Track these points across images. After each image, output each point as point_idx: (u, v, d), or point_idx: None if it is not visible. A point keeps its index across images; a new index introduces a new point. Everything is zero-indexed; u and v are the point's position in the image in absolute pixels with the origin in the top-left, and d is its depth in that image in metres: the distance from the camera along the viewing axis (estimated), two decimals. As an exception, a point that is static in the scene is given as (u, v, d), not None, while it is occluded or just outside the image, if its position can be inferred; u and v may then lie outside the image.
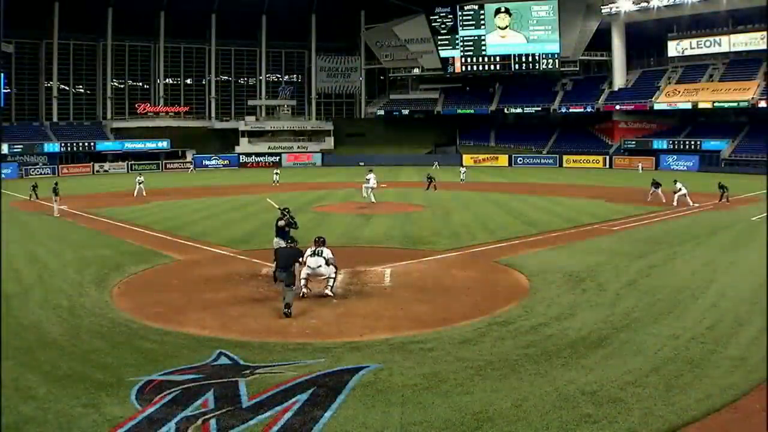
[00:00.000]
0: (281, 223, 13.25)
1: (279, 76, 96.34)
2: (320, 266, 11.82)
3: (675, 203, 25.98)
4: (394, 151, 76.44)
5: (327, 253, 11.83)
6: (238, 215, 24.41)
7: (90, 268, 13.97)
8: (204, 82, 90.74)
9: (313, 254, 11.80)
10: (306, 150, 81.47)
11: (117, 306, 11.17)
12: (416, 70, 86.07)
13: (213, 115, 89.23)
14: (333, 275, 12.04)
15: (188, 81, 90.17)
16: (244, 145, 79.47)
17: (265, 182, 48.21)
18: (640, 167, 60.57)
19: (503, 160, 71.99)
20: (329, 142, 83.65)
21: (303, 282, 11.68)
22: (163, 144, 73.82)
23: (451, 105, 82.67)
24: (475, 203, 28.70)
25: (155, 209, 27.15)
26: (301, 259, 11.11)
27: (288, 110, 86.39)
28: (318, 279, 11.86)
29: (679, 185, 26.56)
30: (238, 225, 21.31)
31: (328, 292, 11.93)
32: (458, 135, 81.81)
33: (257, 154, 77.45)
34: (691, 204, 25.73)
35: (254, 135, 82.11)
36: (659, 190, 27.69)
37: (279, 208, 14.42)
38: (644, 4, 70.67)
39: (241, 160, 75.43)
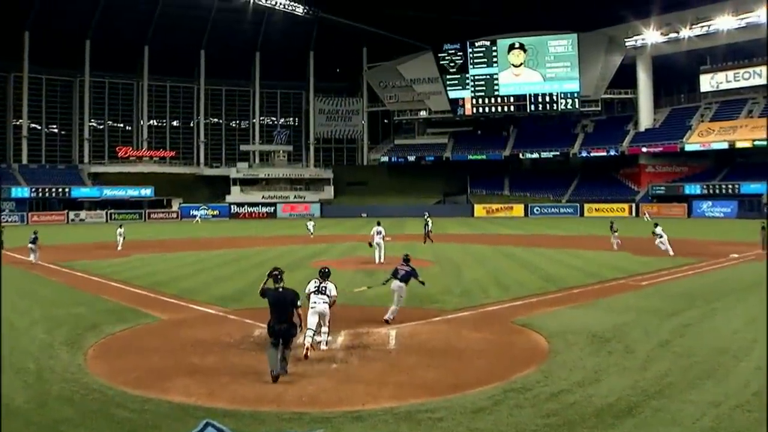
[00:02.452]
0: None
1: (274, 118, 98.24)
2: (324, 309, 12.00)
3: (670, 251, 26.67)
4: (399, 202, 77.53)
5: (332, 289, 12.02)
6: (230, 270, 24.49)
7: (61, 328, 13.97)
8: (192, 125, 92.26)
9: (317, 291, 11.94)
10: (303, 200, 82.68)
11: (91, 370, 11.11)
12: (423, 113, 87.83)
13: (202, 160, 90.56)
14: (327, 324, 12.14)
15: (175, 123, 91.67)
16: (235, 194, 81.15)
17: (257, 234, 48.43)
18: (646, 215, 60.42)
19: (518, 210, 72.62)
20: (329, 192, 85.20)
21: (311, 333, 11.57)
22: (147, 191, 74.52)
23: (461, 150, 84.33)
24: (488, 257, 28.70)
25: (137, 263, 27.27)
26: (299, 303, 10.58)
27: (284, 156, 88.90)
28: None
29: (659, 230, 27.17)
30: (230, 281, 21.37)
31: (323, 346, 11.99)
32: (469, 183, 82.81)
33: (250, 204, 78.65)
34: (671, 254, 26.28)
35: (247, 183, 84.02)
36: (665, 239, 27.60)
37: (368, 287, 14.85)
38: (673, 35, 69.85)
39: (232, 210, 76.58)
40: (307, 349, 11.20)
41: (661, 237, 27.22)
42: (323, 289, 12.12)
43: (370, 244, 25.49)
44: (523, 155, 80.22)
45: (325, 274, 12.20)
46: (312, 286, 12.23)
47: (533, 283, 20.44)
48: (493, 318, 15.20)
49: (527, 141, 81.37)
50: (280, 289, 10.32)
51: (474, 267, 25.00)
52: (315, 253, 30.47)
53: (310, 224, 45.24)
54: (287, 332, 10.17)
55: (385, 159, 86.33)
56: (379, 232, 25.60)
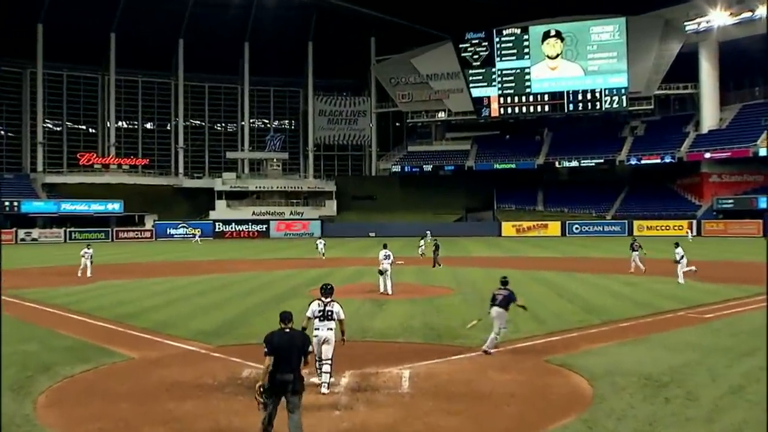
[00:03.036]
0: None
1: (266, 121, 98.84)
2: (331, 338, 12.17)
3: (680, 278, 27.24)
4: (413, 218, 77.82)
5: (339, 311, 12.21)
6: (213, 299, 24.60)
7: (6, 370, 13.86)
8: (169, 127, 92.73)
9: (323, 315, 12.10)
10: (301, 216, 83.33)
11: (42, 421, 11.00)
12: (441, 114, 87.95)
13: (181, 170, 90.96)
14: (331, 357, 12.17)
15: (148, 125, 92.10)
16: (221, 210, 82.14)
17: (247, 256, 48.53)
18: (689, 234, 60.10)
19: (554, 228, 72.70)
20: (331, 207, 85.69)
21: (327, 369, 11.98)
22: (114, 206, 74.93)
23: (486, 158, 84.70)
24: (520, 284, 28.48)
25: (101, 291, 27.37)
26: (311, 348, 10.06)
27: (278, 165, 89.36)
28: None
29: (680, 252, 27.60)
30: (213, 312, 21.45)
31: (323, 389, 12.04)
32: (496, 197, 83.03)
33: (238, 222, 79.20)
34: (680, 281, 27.15)
35: (234, 197, 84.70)
36: (684, 262, 27.87)
37: (478, 320, 15.33)
38: (746, 15, 66.30)
39: (217, 229, 77.00)
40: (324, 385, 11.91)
41: (680, 261, 27.53)
42: (329, 314, 12.18)
43: (381, 272, 25.39)
44: (559, 163, 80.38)
45: (328, 291, 12.26)
46: (315, 308, 12.29)
47: (572, 315, 20.35)
48: (525, 356, 15.15)
49: (565, 147, 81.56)
50: (287, 330, 9.91)
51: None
52: (315, 280, 30.50)
53: (321, 244, 46.22)
54: (294, 385, 9.37)
55: (397, 169, 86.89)
56: (386, 257, 25.44)
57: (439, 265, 36.61)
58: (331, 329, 12.17)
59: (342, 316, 12.20)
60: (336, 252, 51.29)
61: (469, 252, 52.01)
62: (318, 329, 12.13)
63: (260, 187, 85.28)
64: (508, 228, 74.24)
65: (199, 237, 69.33)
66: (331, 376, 12.35)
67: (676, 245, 28.44)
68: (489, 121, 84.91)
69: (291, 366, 9.33)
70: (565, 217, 75.50)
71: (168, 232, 75.26)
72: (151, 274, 35.41)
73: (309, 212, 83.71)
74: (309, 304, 12.60)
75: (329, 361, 12.17)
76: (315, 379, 12.16)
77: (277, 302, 23.69)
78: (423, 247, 42.24)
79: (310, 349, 9.92)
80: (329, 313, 12.16)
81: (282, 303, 23.60)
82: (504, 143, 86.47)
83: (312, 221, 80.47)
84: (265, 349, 9.28)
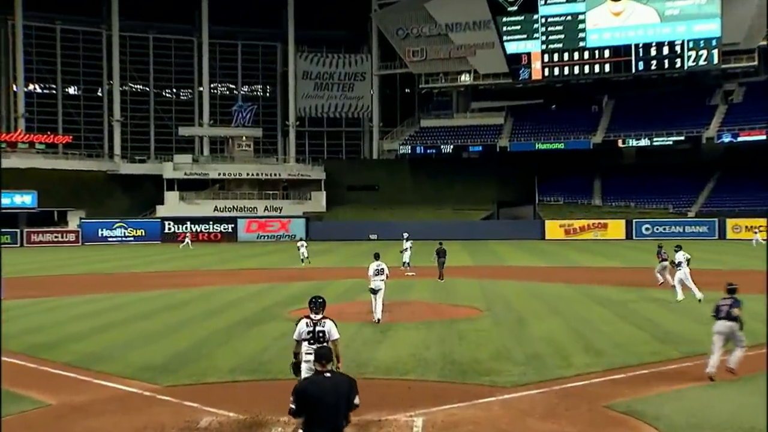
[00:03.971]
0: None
1: (232, 86, 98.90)
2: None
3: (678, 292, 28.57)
4: (428, 215, 77.96)
5: (332, 331, 12.58)
6: (162, 324, 24.67)
7: None
8: (100, 93, 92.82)
9: (314, 338, 12.44)
10: (279, 213, 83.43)
11: None
12: (465, 77, 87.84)
13: (117, 151, 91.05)
14: None
15: (71, 89, 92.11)
16: (172, 204, 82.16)
17: (206, 265, 48.47)
18: (755, 239, 60.05)
19: (616, 228, 72.93)
20: (318, 201, 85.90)
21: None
22: (25, 199, 75.10)
23: (525, 136, 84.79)
24: (569, 303, 28.69)
25: (6, 314, 27.34)
26: (358, 400, 9.31)
27: (248, 146, 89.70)
28: None
29: (681, 256, 28.87)
30: (161, 341, 21.48)
31: None
32: (537, 187, 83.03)
33: (195, 220, 79.05)
34: (677, 299, 28.54)
35: (190, 187, 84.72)
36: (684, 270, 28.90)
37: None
38: None
39: (166, 229, 77.44)
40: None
41: (678, 266, 28.82)
42: (320, 335, 12.45)
43: (373, 291, 24.97)
44: (624, 142, 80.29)
45: (319, 306, 12.71)
46: (303, 328, 12.57)
47: (642, 345, 20.30)
48: (578, 399, 15.11)
49: (631, 120, 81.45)
50: (327, 375, 9.30)
51: (546, 318, 25.04)
52: (297, 296, 30.47)
53: (303, 248, 47.59)
54: None
55: (406, 150, 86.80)
56: (378, 271, 24.95)
57: (440, 279, 36.92)
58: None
59: (336, 336, 12.60)
60: (326, 260, 51.20)
61: (502, 260, 51.97)
62: (309, 354, 12.28)
63: (225, 174, 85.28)
64: (553, 228, 74.10)
65: (189, 240, 67.79)
66: None
67: (677, 249, 29.64)
68: (529, 86, 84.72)
69: (335, 426, 8.81)
70: (631, 213, 75.29)
71: (100, 234, 75.30)
72: (76, 290, 35.34)
73: (290, 208, 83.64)
74: (296, 324, 12.82)
75: None
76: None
77: (247, 326, 23.71)
78: (408, 252, 42.55)
79: (357, 401, 9.12)
80: (320, 334, 12.43)
81: (253, 327, 23.64)
82: (549, 116, 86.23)
83: (294, 219, 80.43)
84: (293, 406, 8.77)
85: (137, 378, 17.04)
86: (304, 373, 12.34)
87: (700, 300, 27.47)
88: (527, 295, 30.99)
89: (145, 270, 46.78)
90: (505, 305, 28.06)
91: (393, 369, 17.63)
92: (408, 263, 42.23)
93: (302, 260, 46.40)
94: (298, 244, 49.26)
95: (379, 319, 23.97)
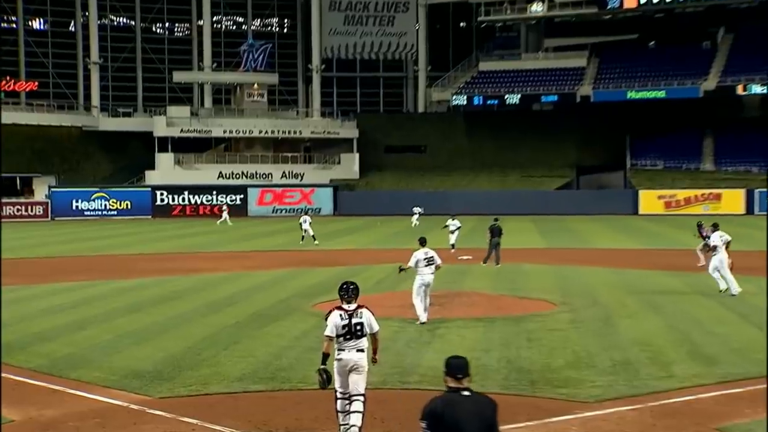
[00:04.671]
0: None
1: (241, 19, 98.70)
2: (362, 363, 12.69)
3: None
4: (487, 184, 78.46)
5: (371, 322, 12.84)
6: (153, 320, 24.71)
7: None
8: (73, 28, 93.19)
9: (350, 333, 12.64)
10: (300, 181, 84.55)
11: None
12: (537, 7, 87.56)
13: (95, 102, 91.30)
14: (363, 392, 12.57)
15: (36, 24, 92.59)
16: (165, 169, 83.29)
17: (208, 247, 48.60)
18: None
19: (732, 200, 72.84)
20: (349, 165, 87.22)
21: (358, 409, 12.59)
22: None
23: (614, 81, 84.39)
24: (671, 296, 28.42)
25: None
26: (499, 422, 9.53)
27: (261, 96, 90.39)
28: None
29: (717, 238, 28.78)
30: (153, 341, 21.49)
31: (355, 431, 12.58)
32: (630, 148, 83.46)
33: (194, 190, 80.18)
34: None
35: (188, 147, 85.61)
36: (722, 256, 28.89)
37: None
38: None
39: (158, 200, 78.50)
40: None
41: (714, 251, 28.83)
42: (357, 328, 12.56)
43: (424, 286, 24.71)
44: (745, 88, 79.55)
45: (351, 293, 12.91)
46: (336, 321, 12.69)
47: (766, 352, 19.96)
48: (680, 419, 14.87)
49: (754, 60, 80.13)
50: (466, 394, 9.06)
51: (640, 315, 24.76)
52: (321, 286, 30.47)
53: (306, 222, 48.46)
54: None
55: (461, 101, 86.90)
56: (429, 260, 24.77)
57: (496, 264, 36.72)
58: (362, 351, 12.58)
59: (376, 327, 12.90)
60: (358, 241, 51.20)
61: (583, 240, 51.92)
62: (342, 351, 12.51)
63: (231, 132, 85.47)
64: (649, 200, 73.60)
65: (227, 215, 68.06)
66: (363, 419, 12.62)
67: (714, 228, 29.63)
68: (620, 16, 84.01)
69: None
70: (753, 181, 74.33)
71: (74, 206, 75.94)
72: (44, 277, 35.53)
73: (313, 174, 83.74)
74: (326, 318, 12.86)
75: (361, 398, 12.64)
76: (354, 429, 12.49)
77: (260, 324, 23.68)
78: (456, 232, 42.58)
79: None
80: (358, 328, 12.53)
81: (268, 324, 23.61)
82: (645, 56, 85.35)
83: (318, 189, 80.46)
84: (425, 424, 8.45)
85: (123, 387, 16.95)
86: (337, 377, 12.51)
87: (734, 294, 27.59)
88: (615, 286, 30.66)
89: (132, 252, 46.99)
90: (586, 298, 27.74)
91: (442, 377, 17.48)
92: (455, 245, 42.34)
93: (303, 238, 47.34)
94: (302, 218, 49.65)
95: (423, 322, 23.79)
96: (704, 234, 33.24)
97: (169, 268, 37.85)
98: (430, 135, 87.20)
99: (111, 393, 16.65)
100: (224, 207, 71.14)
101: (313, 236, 47.11)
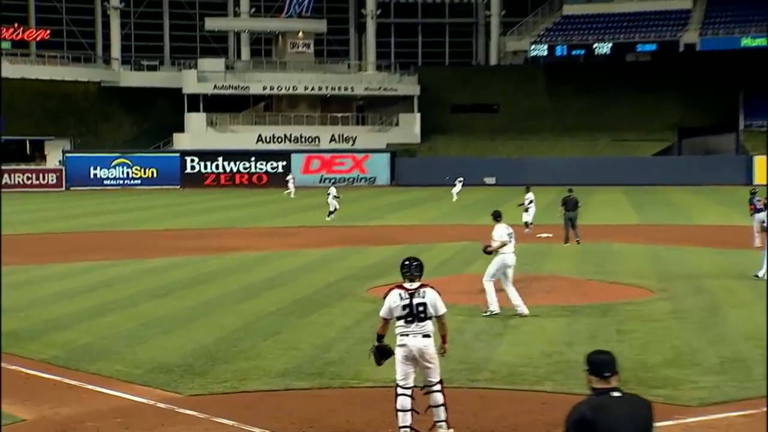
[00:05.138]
0: None
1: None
2: (428, 350, 12.88)
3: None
4: (573, 150, 78.79)
5: (437, 303, 12.93)
6: (182, 306, 24.92)
7: None
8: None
9: (411, 314, 12.74)
10: (351, 146, 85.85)
11: None
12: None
13: (116, 54, 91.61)
14: (439, 378, 12.83)
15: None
16: (196, 132, 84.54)
17: (246, 224, 48.78)
18: None
19: None
20: (409, 127, 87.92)
21: (440, 402, 12.97)
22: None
23: (724, 26, 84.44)
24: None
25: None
26: None
27: (306, 46, 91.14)
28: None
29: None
30: (181, 330, 21.66)
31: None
32: (741, 106, 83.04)
33: (229, 155, 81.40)
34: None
35: (222, 106, 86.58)
36: None
37: None
38: None
39: (188, 168, 79.78)
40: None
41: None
42: (420, 309, 12.61)
43: (506, 266, 24.67)
44: None
45: (414, 270, 13.03)
46: (396, 301, 12.81)
47: None
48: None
49: None
50: (616, 395, 8.95)
51: (754, 305, 24.18)
52: (377, 267, 30.51)
53: (332, 194, 49.14)
54: None
55: (541, 51, 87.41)
56: (511, 236, 24.90)
57: (577, 242, 36.85)
58: (429, 336, 12.68)
59: (443, 309, 12.99)
60: (419, 215, 51.17)
61: (686, 215, 51.50)
62: (405, 337, 12.62)
63: (272, 89, 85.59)
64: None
65: (293, 185, 68.78)
66: (446, 410, 12.93)
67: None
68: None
69: None
70: None
71: (92, 174, 77.06)
72: (58, 256, 35.74)
73: (367, 137, 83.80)
74: (384, 297, 12.95)
75: (439, 386, 13.00)
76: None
77: (306, 311, 23.74)
78: (531, 208, 42.02)
79: None
80: (420, 308, 12.58)
81: (315, 312, 23.64)
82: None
83: (373, 155, 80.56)
84: None
85: (148, 383, 17.05)
86: (399, 366, 12.60)
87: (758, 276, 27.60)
88: (724, 270, 30.28)
89: (158, 227, 47.34)
90: (690, 285, 27.36)
91: (519, 375, 17.41)
92: (531, 222, 42.29)
93: (330, 213, 47.96)
94: (330, 189, 50.48)
95: (496, 312, 23.19)
96: (757, 206, 33.08)
97: (200, 247, 38.12)
98: (504, 92, 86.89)
99: (135, 389, 16.74)
100: (290, 177, 71.01)
101: (331, 211, 47.78)
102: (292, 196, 61.57)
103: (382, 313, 12.79)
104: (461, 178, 53.07)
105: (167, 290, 27.35)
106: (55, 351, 19.53)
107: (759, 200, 33.15)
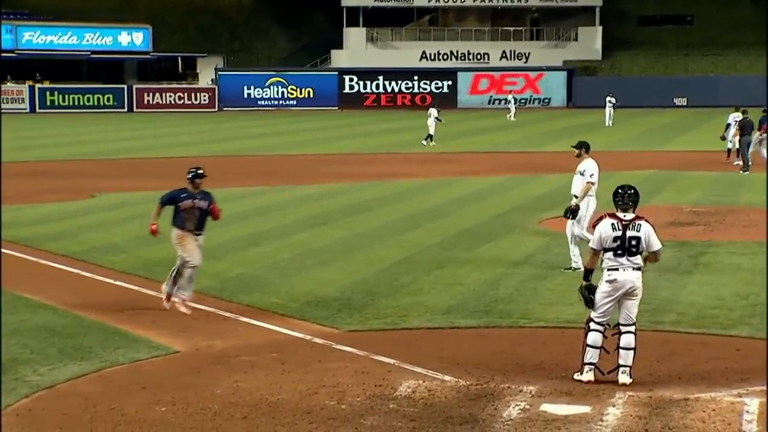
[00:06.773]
0: None
1: None
2: (637, 284, 13.20)
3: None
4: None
5: (650, 236, 13.19)
6: (339, 236, 25.39)
7: None
8: None
9: (622, 246, 12.96)
10: (524, 63, 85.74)
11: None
12: None
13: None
14: (635, 320, 13.19)
15: None
16: (355, 48, 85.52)
17: (409, 150, 48.98)
18: None
19: None
20: (589, 42, 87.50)
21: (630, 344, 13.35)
22: (136, 38, 78.03)
23: None
24: None
25: (107, 214, 29.05)
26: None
27: None
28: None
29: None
30: (339, 262, 22.14)
31: (625, 380, 13.07)
32: None
33: (390, 74, 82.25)
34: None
35: (383, 20, 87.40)
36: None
37: None
38: None
39: (346, 87, 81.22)
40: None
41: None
42: (632, 243, 12.79)
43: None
44: None
45: (628, 199, 13.19)
46: (608, 232, 12.96)
47: None
48: None
49: None
50: None
51: None
52: (551, 197, 30.46)
53: (432, 115, 49.86)
54: None
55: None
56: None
57: (744, 170, 36.40)
58: (639, 269, 12.88)
59: (657, 246, 13.25)
60: (598, 140, 50.74)
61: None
62: (614, 270, 12.81)
63: (438, 1, 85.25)
64: None
65: (516, 108, 68.58)
66: (635, 355, 13.27)
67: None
68: None
69: None
70: None
71: (245, 94, 78.27)
72: (209, 181, 36.25)
73: (542, 54, 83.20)
74: (596, 224, 13.20)
75: (633, 328, 13.34)
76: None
77: (472, 244, 23.93)
78: (732, 126, 40.67)
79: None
80: (633, 242, 12.78)
81: (482, 245, 23.74)
82: None
83: (548, 73, 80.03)
84: None
85: (305, 317, 17.48)
86: (602, 300, 12.78)
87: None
88: None
89: (315, 151, 47.94)
90: None
91: (709, 318, 17.27)
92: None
93: (429, 137, 48.67)
94: (430, 110, 50.57)
95: (576, 269, 21.25)
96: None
97: (358, 173, 38.56)
98: (700, 0, 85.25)
99: (291, 323, 17.22)
100: (510, 97, 70.83)
101: (429, 135, 48.17)
102: (513, 118, 60.61)
103: (593, 244, 13.03)
104: (612, 99, 51.04)
105: (324, 219, 27.90)
106: (208, 281, 20.10)
107: None
